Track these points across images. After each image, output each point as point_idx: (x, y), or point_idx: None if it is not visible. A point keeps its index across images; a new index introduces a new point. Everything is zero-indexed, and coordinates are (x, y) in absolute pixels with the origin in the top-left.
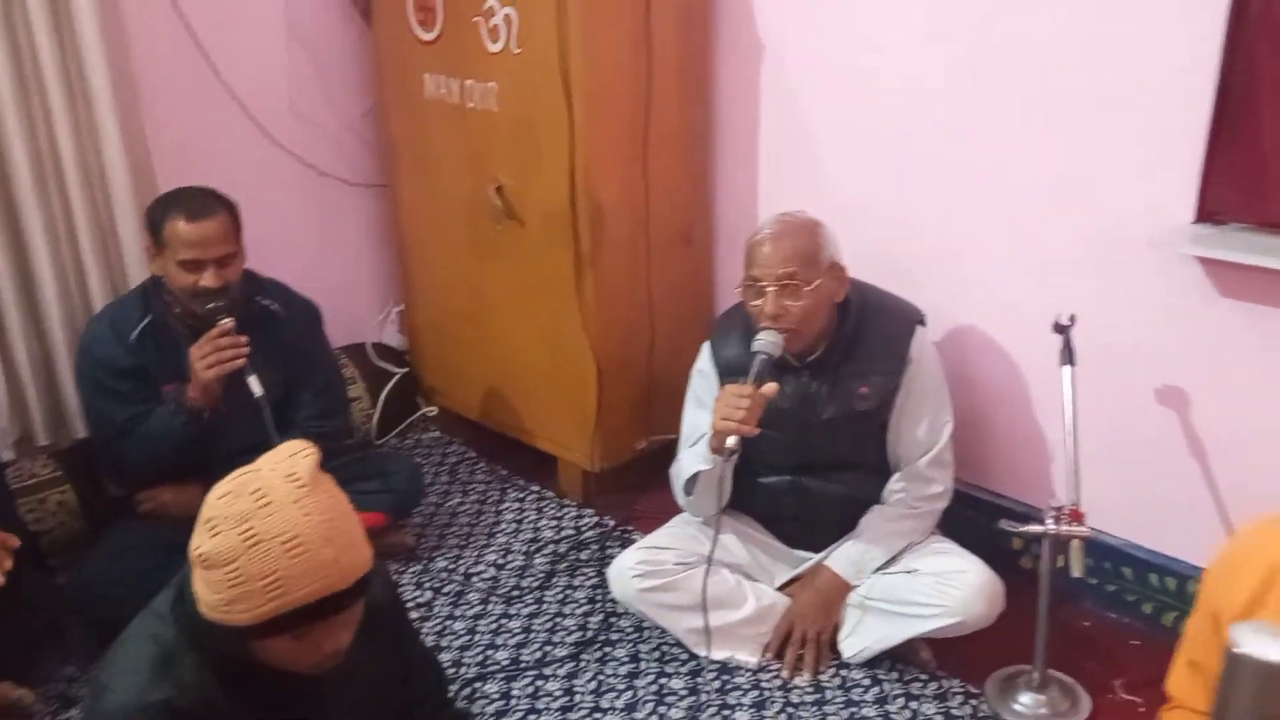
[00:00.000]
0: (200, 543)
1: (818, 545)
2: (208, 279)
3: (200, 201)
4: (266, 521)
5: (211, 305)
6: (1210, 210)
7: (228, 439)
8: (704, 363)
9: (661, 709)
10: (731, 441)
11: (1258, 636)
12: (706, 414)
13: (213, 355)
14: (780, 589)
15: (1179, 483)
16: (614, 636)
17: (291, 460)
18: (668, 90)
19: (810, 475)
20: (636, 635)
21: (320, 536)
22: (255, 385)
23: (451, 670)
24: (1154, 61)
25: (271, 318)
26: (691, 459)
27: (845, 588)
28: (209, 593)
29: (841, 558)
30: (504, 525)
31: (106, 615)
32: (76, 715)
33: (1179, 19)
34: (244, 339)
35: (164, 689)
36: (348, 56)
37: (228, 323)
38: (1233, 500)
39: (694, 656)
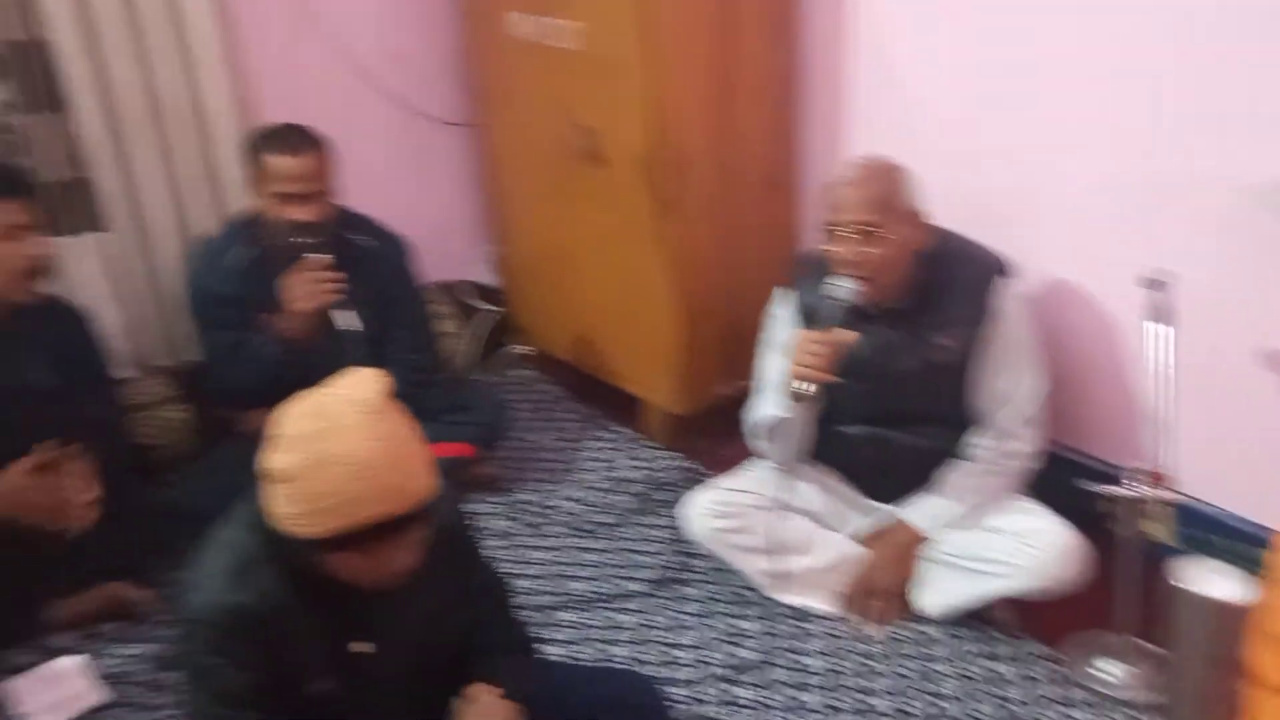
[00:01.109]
0: (272, 458)
1: (896, 497)
2: (301, 212)
3: (295, 137)
4: (335, 443)
5: (303, 239)
6: None
7: (321, 370)
8: (781, 308)
9: (731, 648)
10: (808, 389)
11: (1199, 572)
12: (782, 359)
13: (304, 289)
14: (857, 540)
15: None
16: (689, 576)
17: (363, 385)
18: (751, 33)
19: (890, 426)
20: (713, 576)
21: (386, 461)
22: (345, 319)
23: (527, 598)
24: (1256, 14)
25: (363, 253)
26: (768, 405)
27: (923, 542)
28: (281, 506)
29: (920, 511)
30: (587, 462)
31: (209, 528)
32: None
33: None
34: (335, 274)
35: (241, 594)
36: None
37: (322, 258)
38: None
39: (768, 600)
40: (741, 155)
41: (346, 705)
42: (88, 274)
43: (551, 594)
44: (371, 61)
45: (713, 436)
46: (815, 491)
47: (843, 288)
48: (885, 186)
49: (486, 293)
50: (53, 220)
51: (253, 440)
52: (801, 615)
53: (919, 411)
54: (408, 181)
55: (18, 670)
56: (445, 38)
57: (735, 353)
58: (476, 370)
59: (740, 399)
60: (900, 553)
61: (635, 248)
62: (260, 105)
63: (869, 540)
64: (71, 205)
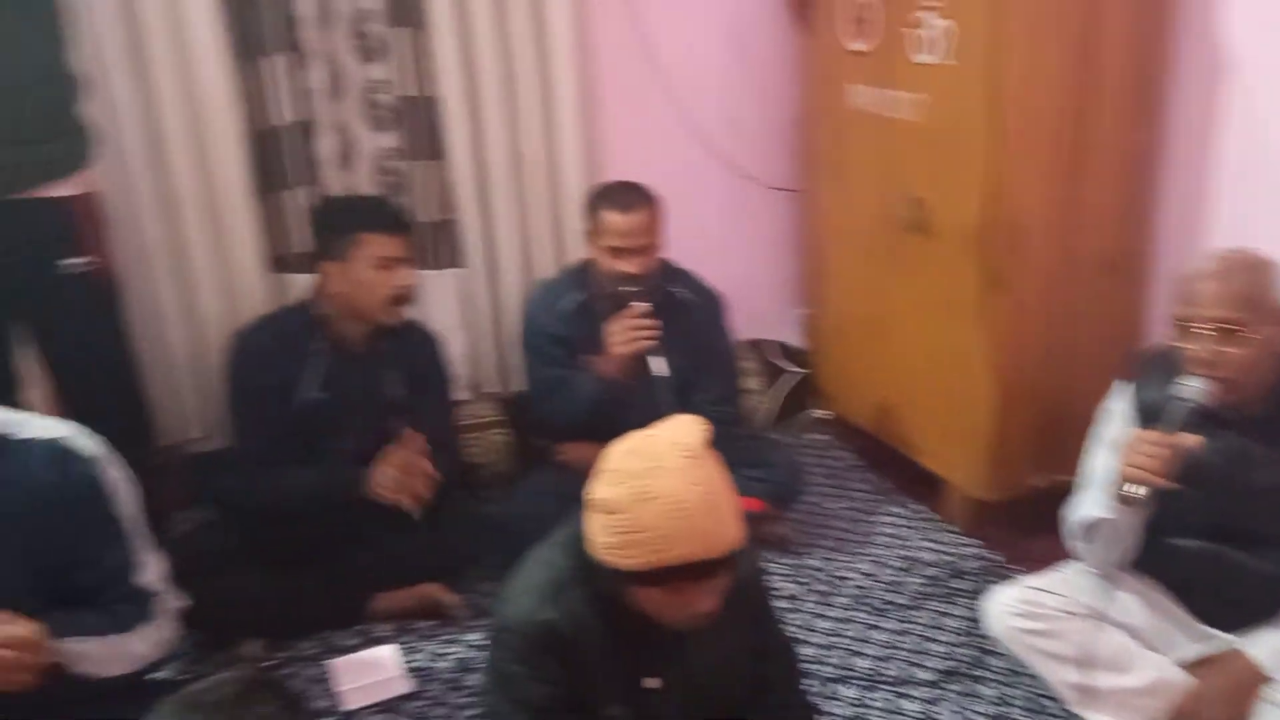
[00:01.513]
0: (598, 489)
1: (1235, 626)
2: (629, 265)
3: (630, 196)
4: (658, 482)
5: (628, 289)
6: None
7: (633, 410)
8: (1118, 402)
9: None
10: (1137, 492)
11: None
12: (1112, 457)
13: (626, 334)
14: (1183, 666)
15: None
16: (983, 674)
17: (686, 432)
18: (1109, 110)
19: (1232, 544)
20: (1009, 678)
21: (702, 506)
22: (657, 365)
23: (811, 666)
24: None
25: (682, 305)
26: (1091, 504)
27: (1263, 680)
28: (600, 535)
29: (1264, 645)
30: (880, 537)
31: (518, 545)
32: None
33: None
34: (653, 322)
35: (551, 611)
36: (781, 66)
37: (644, 306)
38: None
39: (1070, 714)
40: (1084, 235)
41: None
42: (443, 304)
43: (834, 666)
44: (711, 127)
45: (1018, 528)
46: (1137, 605)
47: (1192, 388)
48: (1251, 281)
49: (792, 354)
50: (421, 254)
51: (565, 469)
52: None
53: (1270, 533)
54: (730, 240)
55: (342, 651)
56: (782, 107)
57: (1055, 443)
58: (775, 429)
59: (1054, 493)
60: (1236, 688)
61: (955, 322)
62: (606, 163)
63: (1198, 668)
64: (438, 242)
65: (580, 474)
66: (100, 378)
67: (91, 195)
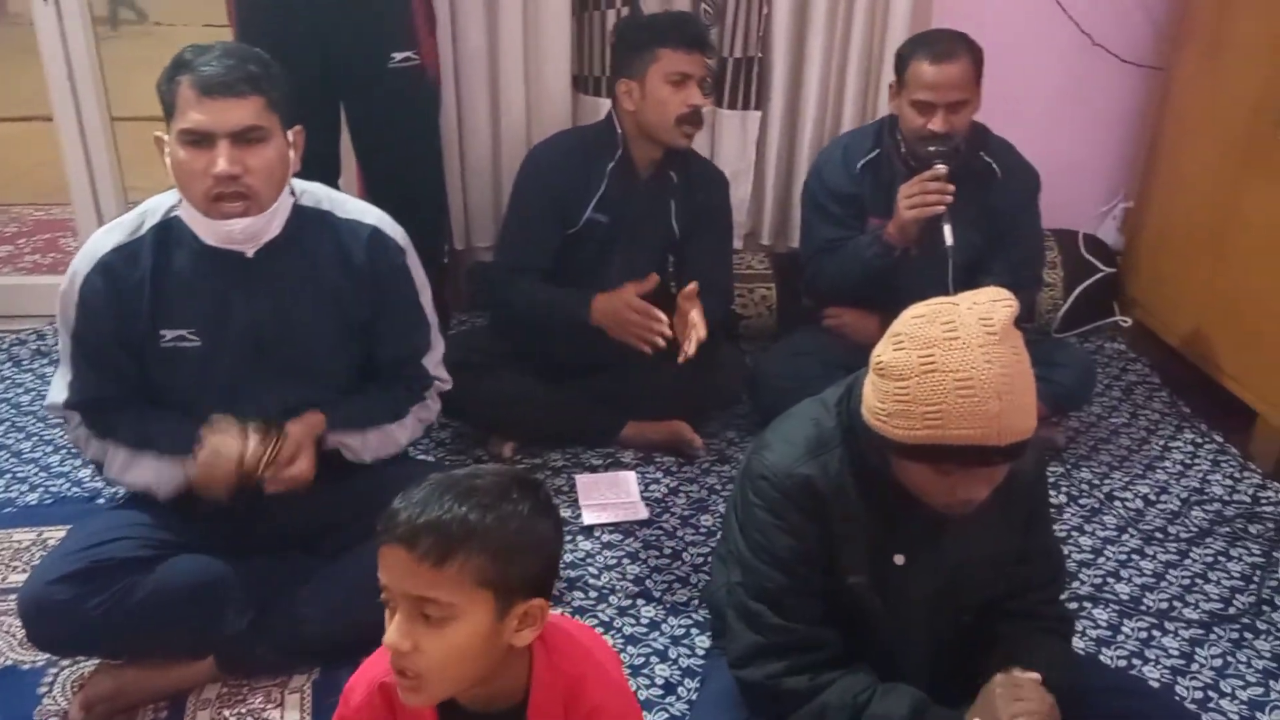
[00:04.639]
0: (883, 352)
1: None
2: (936, 122)
3: (948, 44)
4: (948, 354)
5: (931, 149)
6: None
7: (910, 282)
8: None
9: None
10: None
11: None
12: None
13: (917, 196)
14: None
15: None
16: (1263, 627)
17: (990, 305)
18: None
19: None
20: None
21: (993, 388)
22: (948, 234)
23: None
24: None
25: (988, 175)
26: None
27: None
28: (874, 399)
29: None
30: (1168, 464)
31: (771, 401)
32: (732, 469)
33: None
34: (951, 187)
35: (810, 467)
36: None
37: (940, 168)
38: None
39: None
40: None
41: (872, 610)
42: (734, 146)
43: (1090, 586)
44: None
45: None
46: None
47: None
48: None
49: (1100, 250)
50: (720, 92)
51: (831, 334)
52: None
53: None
54: (1058, 114)
55: (587, 469)
56: None
57: None
58: (1066, 330)
59: None
60: None
61: None
62: (938, 11)
63: None
64: (742, 81)
65: (844, 340)
66: (407, 171)
67: None
